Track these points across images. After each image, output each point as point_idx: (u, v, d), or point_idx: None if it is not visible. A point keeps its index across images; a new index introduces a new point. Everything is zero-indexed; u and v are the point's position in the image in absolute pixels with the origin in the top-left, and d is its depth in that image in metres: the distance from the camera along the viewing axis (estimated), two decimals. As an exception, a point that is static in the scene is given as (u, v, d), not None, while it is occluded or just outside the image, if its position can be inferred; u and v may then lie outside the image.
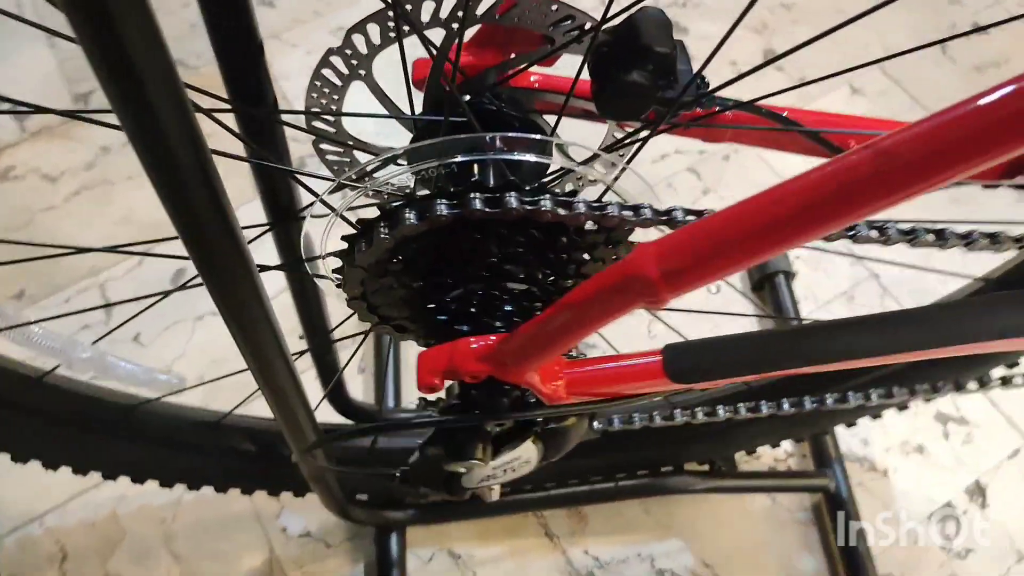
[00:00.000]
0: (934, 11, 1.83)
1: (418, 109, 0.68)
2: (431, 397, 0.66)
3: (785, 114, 0.78)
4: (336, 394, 1.15)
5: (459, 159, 0.55)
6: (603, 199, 0.58)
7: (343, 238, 0.59)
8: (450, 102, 0.68)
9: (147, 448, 0.98)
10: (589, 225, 0.59)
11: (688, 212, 0.59)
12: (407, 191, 0.64)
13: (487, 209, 0.54)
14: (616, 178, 0.59)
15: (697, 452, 1.15)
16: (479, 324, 0.59)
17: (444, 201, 0.55)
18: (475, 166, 0.64)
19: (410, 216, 0.55)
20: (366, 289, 0.63)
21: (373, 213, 0.60)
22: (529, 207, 0.55)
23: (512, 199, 0.54)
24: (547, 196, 0.55)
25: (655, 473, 1.16)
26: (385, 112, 0.68)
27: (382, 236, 0.56)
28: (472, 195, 0.54)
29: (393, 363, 1.30)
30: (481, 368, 0.56)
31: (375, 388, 1.30)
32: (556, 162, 0.61)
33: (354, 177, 0.58)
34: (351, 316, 0.95)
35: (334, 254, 0.61)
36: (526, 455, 0.69)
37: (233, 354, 0.58)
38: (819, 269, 1.49)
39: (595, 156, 0.57)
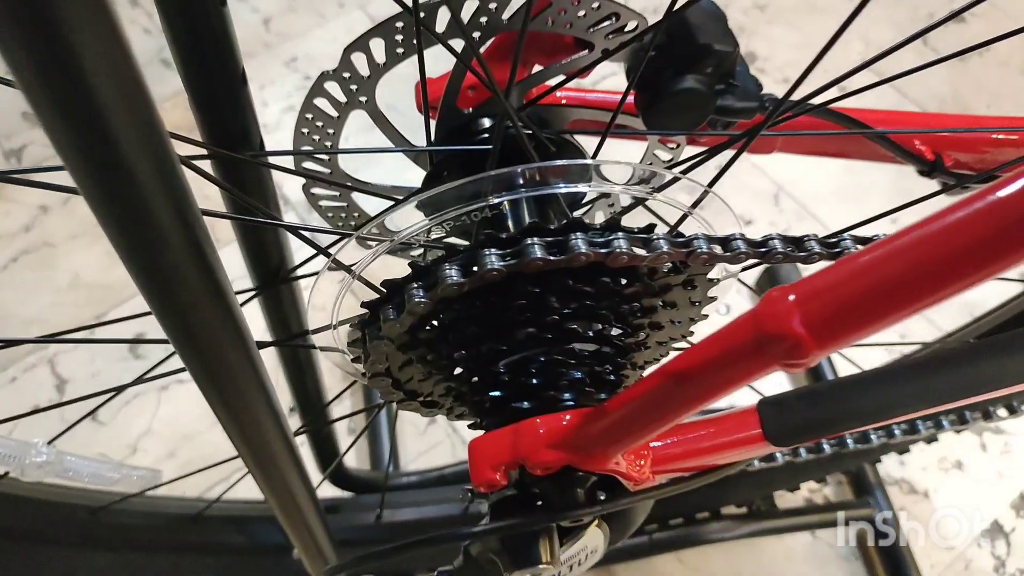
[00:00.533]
0: (912, 3, 1.78)
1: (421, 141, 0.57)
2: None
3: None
4: (330, 463, 1.02)
5: (520, 195, 0.44)
6: (683, 233, 0.47)
7: (364, 304, 0.47)
8: (471, 125, 0.57)
9: (118, 554, 0.84)
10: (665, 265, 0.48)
11: (787, 241, 0.48)
12: (426, 241, 0.52)
13: (550, 257, 0.43)
14: (697, 203, 0.48)
15: (737, 494, 1.04)
16: (542, 399, 0.48)
17: (495, 251, 0.43)
18: (505, 205, 0.53)
19: (451, 273, 0.43)
20: (392, 363, 0.51)
21: (383, 266, 0.49)
22: (603, 250, 0.43)
23: (580, 243, 0.43)
24: (622, 235, 0.44)
25: (691, 521, 1.05)
26: (393, 146, 0.57)
27: (416, 300, 0.44)
28: (530, 241, 0.43)
29: (387, 421, 1.18)
30: (556, 457, 0.45)
31: (370, 451, 1.17)
32: (613, 191, 0.50)
33: (375, 229, 0.46)
34: (352, 384, 0.82)
35: (351, 323, 0.49)
36: (592, 543, 0.57)
37: (207, 426, 0.47)
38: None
39: (675, 180, 0.47)
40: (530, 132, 0.55)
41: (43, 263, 1.36)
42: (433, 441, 1.22)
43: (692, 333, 0.58)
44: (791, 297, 0.36)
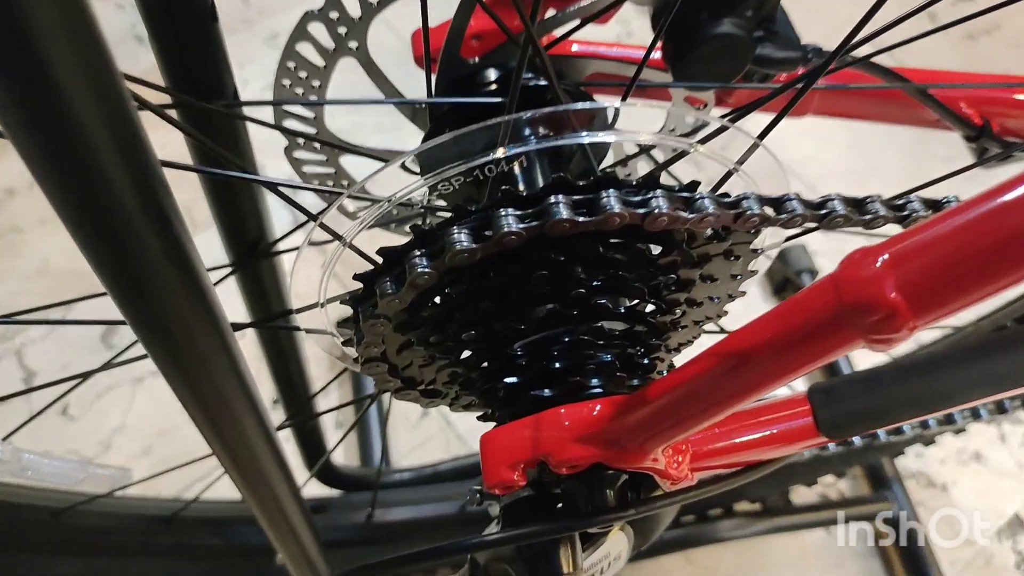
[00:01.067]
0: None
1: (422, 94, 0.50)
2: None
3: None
4: (317, 459, 0.95)
5: (539, 146, 0.37)
6: (728, 193, 0.40)
7: (357, 277, 0.40)
8: (476, 77, 0.50)
9: (84, 559, 0.77)
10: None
11: (848, 203, 0.42)
12: (430, 203, 0.45)
13: (578, 218, 0.36)
14: (745, 159, 0.41)
15: (752, 490, 0.98)
16: (566, 385, 0.41)
17: (512, 211, 0.36)
18: (516, 166, 0.47)
19: (461, 238, 0.37)
20: (389, 346, 0.44)
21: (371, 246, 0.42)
22: (640, 210, 0.37)
23: (613, 201, 0.36)
24: (661, 193, 0.37)
25: (702, 519, 0.99)
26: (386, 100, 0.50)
27: (419, 270, 0.37)
28: (554, 199, 0.36)
29: (378, 413, 1.11)
30: (585, 453, 0.38)
31: (359, 446, 1.09)
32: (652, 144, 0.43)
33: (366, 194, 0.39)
34: (341, 374, 0.75)
35: (342, 300, 0.42)
36: (616, 549, 0.51)
37: (186, 420, 0.41)
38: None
39: (723, 129, 0.40)
40: (545, 84, 0.48)
41: (9, 249, 1.28)
42: (427, 435, 1.15)
43: (726, 313, 0.51)
44: (882, 257, 0.30)
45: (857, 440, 0.74)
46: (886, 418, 0.44)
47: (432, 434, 1.16)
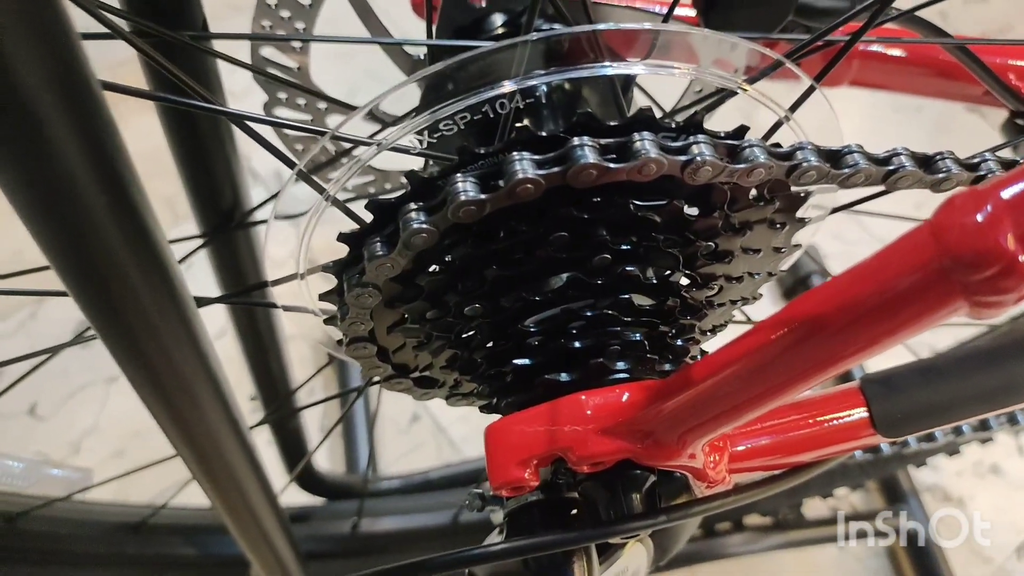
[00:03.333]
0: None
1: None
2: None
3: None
4: (296, 463, 0.89)
5: (557, 77, 0.31)
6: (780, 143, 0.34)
7: (342, 237, 0.34)
8: (483, 24, 0.44)
9: (42, 568, 0.70)
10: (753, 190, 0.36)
11: (917, 159, 0.36)
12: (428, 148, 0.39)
13: (608, 164, 0.30)
14: (798, 105, 0.35)
15: (763, 502, 0.91)
16: (587, 369, 0.35)
17: (528, 155, 0.30)
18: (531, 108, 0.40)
19: (466, 187, 0.31)
20: (378, 324, 0.38)
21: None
22: (681, 157, 0.31)
23: (649, 145, 0.30)
24: (703, 139, 0.32)
25: (709, 533, 0.93)
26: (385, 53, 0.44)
27: (415, 227, 0.31)
28: (579, 141, 0.30)
29: (365, 416, 1.04)
30: (613, 447, 0.32)
31: (345, 452, 1.03)
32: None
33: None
34: (326, 366, 0.69)
35: (325, 268, 0.36)
36: (634, 564, 0.45)
37: None
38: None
39: (778, 65, 0.34)
40: (562, 31, 0.42)
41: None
42: (417, 441, 1.08)
43: (760, 296, 0.45)
44: (995, 199, 0.24)
45: (885, 447, 0.68)
46: (951, 414, 0.38)
47: (423, 440, 1.09)
